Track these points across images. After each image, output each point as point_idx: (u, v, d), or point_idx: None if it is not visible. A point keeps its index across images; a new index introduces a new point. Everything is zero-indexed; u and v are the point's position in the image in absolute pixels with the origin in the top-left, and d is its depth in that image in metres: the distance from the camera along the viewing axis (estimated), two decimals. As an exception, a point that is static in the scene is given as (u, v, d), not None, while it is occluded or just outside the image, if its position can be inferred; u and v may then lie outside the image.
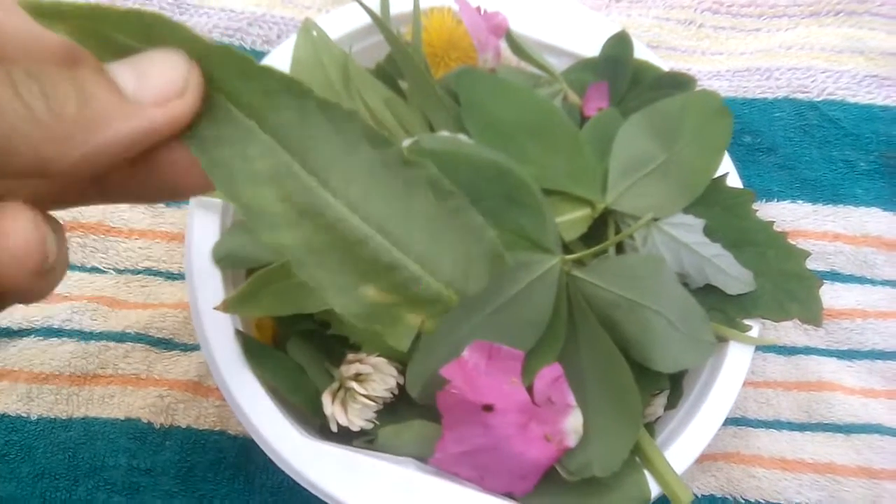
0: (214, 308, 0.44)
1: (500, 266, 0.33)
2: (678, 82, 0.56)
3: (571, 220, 0.50)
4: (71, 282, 0.62)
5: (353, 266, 0.30)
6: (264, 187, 0.28)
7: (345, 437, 0.47)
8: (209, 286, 0.47)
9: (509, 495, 0.45)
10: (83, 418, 0.57)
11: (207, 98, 0.27)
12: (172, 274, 0.63)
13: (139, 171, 0.28)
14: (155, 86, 0.26)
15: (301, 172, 0.28)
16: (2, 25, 0.28)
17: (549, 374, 0.44)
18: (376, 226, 0.30)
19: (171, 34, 0.26)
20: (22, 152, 0.24)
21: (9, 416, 0.57)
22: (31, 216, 0.25)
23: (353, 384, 0.46)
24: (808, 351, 0.65)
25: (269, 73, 0.27)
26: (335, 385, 0.47)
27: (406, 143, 0.47)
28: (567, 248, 0.49)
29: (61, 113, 0.24)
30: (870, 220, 0.69)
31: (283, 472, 0.45)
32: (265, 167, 0.28)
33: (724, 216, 0.52)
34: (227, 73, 0.27)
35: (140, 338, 0.60)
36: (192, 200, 0.49)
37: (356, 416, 0.46)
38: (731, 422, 0.61)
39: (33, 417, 0.57)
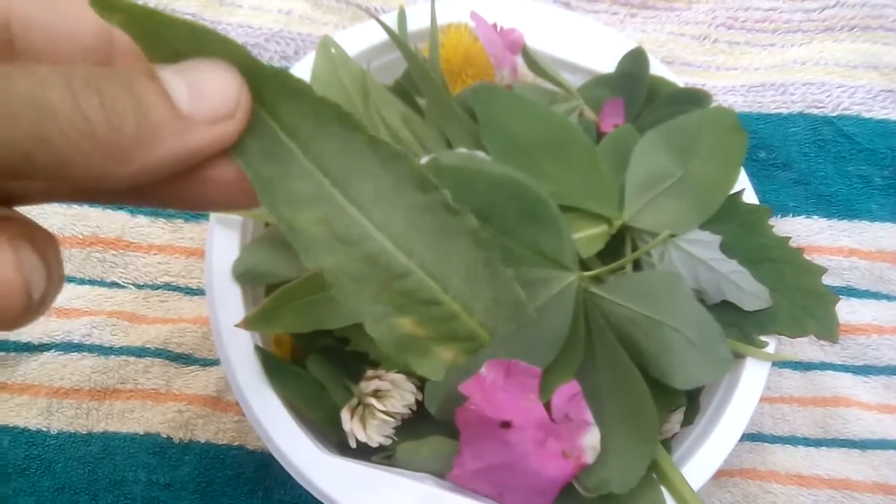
0: (235, 325, 0.44)
1: (524, 315, 0.33)
2: (694, 98, 0.56)
3: (589, 236, 0.50)
4: (91, 297, 0.62)
5: (390, 297, 0.30)
6: (304, 209, 0.28)
7: (363, 453, 0.47)
8: (229, 302, 0.47)
9: None
10: (103, 433, 0.58)
11: (253, 115, 0.27)
12: (191, 289, 0.63)
13: (179, 182, 0.27)
14: (209, 103, 0.25)
15: (342, 201, 0.28)
16: (31, 19, 0.28)
17: (567, 391, 0.44)
18: (418, 262, 0.30)
19: (223, 48, 0.26)
20: (75, 164, 0.23)
21: (29, 430, 0.58)
22: (12, 259, 0.24)
23: (372, 400, 0.46)
24: (823, 366, 0.65)
25: (324, 101, 0.27)
26: (354, 401, 0.47)
27: (424, 159, 0.47)
28: (584, 265, 0.49)
29: (119, 128, 0.24)
30: (885, 235, 0.69)
31: (301, 487, 0.46)
32: (306, 190, 0.28)
33: (741, 232, 0.52)
34: (278, 94, 0.27)
35: (159, 353, 0.60)
36: (212, 216, 0.49)
37: (375, 433, 0.46)
38: (747, 437, 0.61)
39: (53, 432, 0.58)
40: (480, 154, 0.49)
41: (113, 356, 0.60)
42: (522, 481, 0.45)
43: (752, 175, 0.56)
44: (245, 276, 0.48)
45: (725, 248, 0.52)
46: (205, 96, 0.25)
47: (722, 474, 0.60)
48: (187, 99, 0.25)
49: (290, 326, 0.44)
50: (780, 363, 0.64)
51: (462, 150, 0.49)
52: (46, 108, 0.23)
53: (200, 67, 0.26)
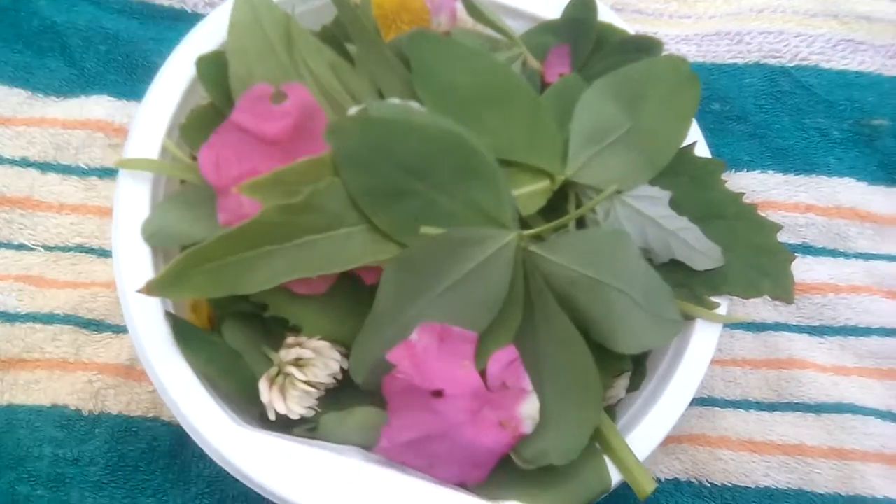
0: (137, 291, 0.40)
1: None
2: (644, 46, 0.53)
3: (530, 192, 0.47)
4: (-4, 260, 0.59)
5: None
6: None
7: (284, 425, 0.44)
8: (137, 265, 0.44)
9: (461, 485, 0.43)
10: (6, 406, 0.55)
11: None
12: (105, 251, 0.60)
13: None
14: None
15: None
16: None
17: (504, 356, 0.42)
18: None
19: None
20: None
21: (-74, 403, 0.55)
22: None
23: (293, 369, 0.43)
24: (777, 327, 0.63)
25: None
26: (273, 371, 0.44)
27: (352, 110, 0.44)
28: (525, 224, 0.47)
29: None
30: (843, 190, 0.67)
31: (220, 461, 0.43)
32: None
33: (692, 188, 0.50)
34: None
35: (69, 319, 0.57)
36: (121, 171, 0.46)
37: (296, 404, 0.43)
38: (696, 402, 0.60)
39: (-47, 405, 0.55)
40: (414, 105, 0.46)
41: (18, 323, 0.57)
42: (456, 453, 0.42)
43: (705, 128, 0.53)
44: (155, 237, 0.44)
45: (675, 205, 0.50)
46: None
47: (670, 441, 0.58)
48: None
49: (200, 291, 0.41)
50: (733, 324, 0.62)
51: (395, 100, 0.46)
52: None
53: None
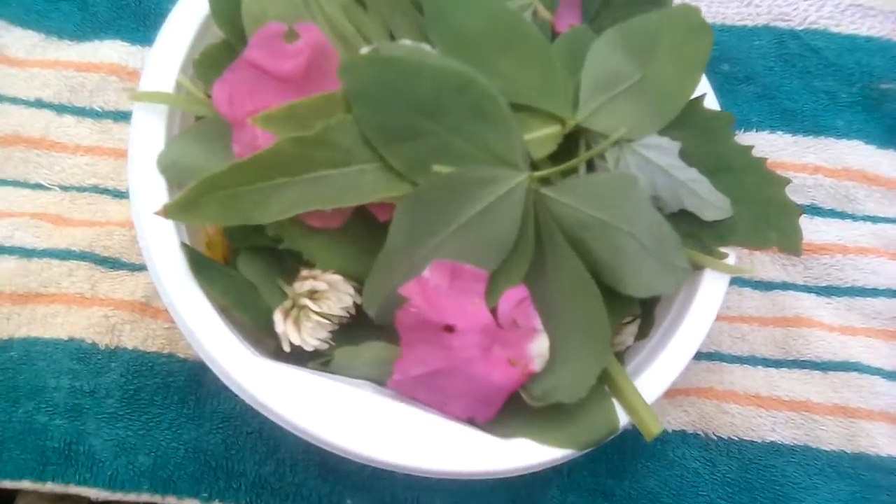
0: (154, 213, 0.41)
1: None
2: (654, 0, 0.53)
3: (541, 137, 0.47)
4: (12, 198, 0.59)
5: None
6: None
7: (299, 358, 0.45)
8: (152, 197, 0.44)
9: (471, 422, 0.44)
10: (24, 338, 0.55)
11: None
12: (120, 192, 0.61)
13: None
14: None
15: None
16: None
17: (514, 295, 0.42)
18: None
19: None
20: None
21: (-54, 335, 0.55)
22: None
23: (307, 301, 0.43)
24: (785, 286, 0.63)
25: None
26: (288, 303, 0.44)
27: (364, 50, 0.45)
28: (535, 167, 0.47)
29: None
30: (851, 152, 0.67)
31: (236, 398, 0.43)
32: None
33: (701, 139, 0.50)
34: None
35: (85, 256, 0.57)
36: (137, 105, 0.46)
37: (309, 335, 0.44)
38: (704, 356, 0.60)
39: (-28, 338, 0.55)
40: (426, 48, 0.46)
41: (35, 258, 0.57)
42: (466, 389, 0.43)
43: (714, 89, 0.53)
44: (171, 169, 0.45)
45: (685, 156, 0.50)
46: None
47: (678, 393, 0.58)
48: None
49: (215, 218, 0.41)
50: (741, 282, 0.62)
51: (406, 42, 0.47)
52: None
53: None
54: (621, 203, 0.45)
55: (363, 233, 0.44)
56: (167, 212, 0.40)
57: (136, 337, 0.56)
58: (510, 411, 0.45)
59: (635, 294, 0.45)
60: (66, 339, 0.55)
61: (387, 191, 0.42)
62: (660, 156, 0.49)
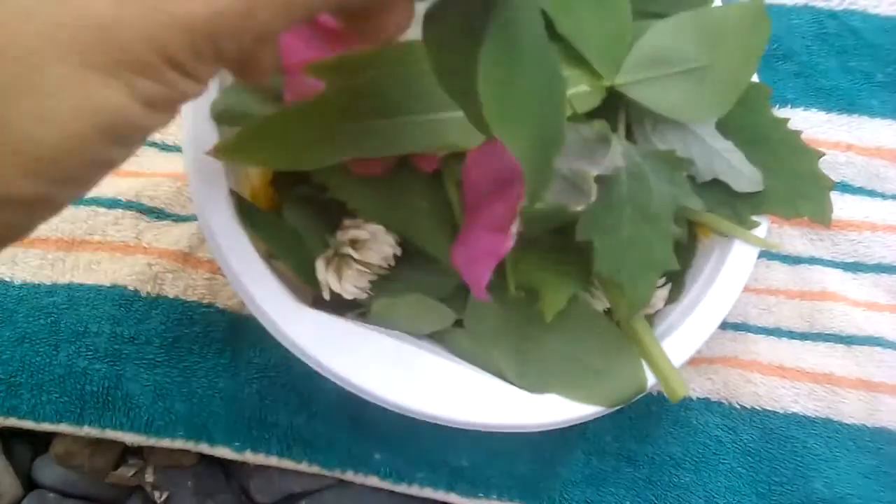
0: (206, 153, 0.42)
1: None
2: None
3: (584, 92, 0.48)
4: (61, 146, 0.60)
5: None
6: None
7: (337, 308, 0.46)
8: (205, 143, 0.45)
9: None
10: (68, 284, 0.56)
11: None
12: (167, 145, 0.62)
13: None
14: None
15: None
16: None
17: None
18: None
19: None
20: None
21: (-9, 279, 0.56)
22: None
23: (349, 250, 0.44)
24: (812, 261, 0.63)
25: None
26: (330, 252, 0.45)
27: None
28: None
29: None
30: (884, 132, 0.67)
31: (272, 349, 0.45)
32: None
33: (739, 109, 0.51)
34: None
35: (131, 205, 0.58)
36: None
37: (349, 283, 0.45)
38: (730, 326, 0.60)
39: (17, 282, 0.56)
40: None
41: (82, 206, 0.58)
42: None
43: (753, 64, 0.54)
44: (223, 115, 0.46)
45: (721, 126, 0.51)
46: None
47: (703, 361, 0.59)
48: None
49: (264, 160, 0.43)
50: (769, 255, 0.63)
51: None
52: None
53: None
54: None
55: (406, 185, 0.45)
56: (218, 152, 0.41)
57: (177, 286, 0.56)
58: (541, 367, 0.46)
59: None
60: (109, 285, 0.56)
61: (431, 142, 0.43)
62: (696, 124, 0.50)
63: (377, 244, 0.45)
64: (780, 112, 0.67)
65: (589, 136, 0.45)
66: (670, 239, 0.46)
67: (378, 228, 0.45)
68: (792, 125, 0.52)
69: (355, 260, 0.44)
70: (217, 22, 0.25)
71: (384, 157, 0.43)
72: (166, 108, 0.26)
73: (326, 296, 0.45)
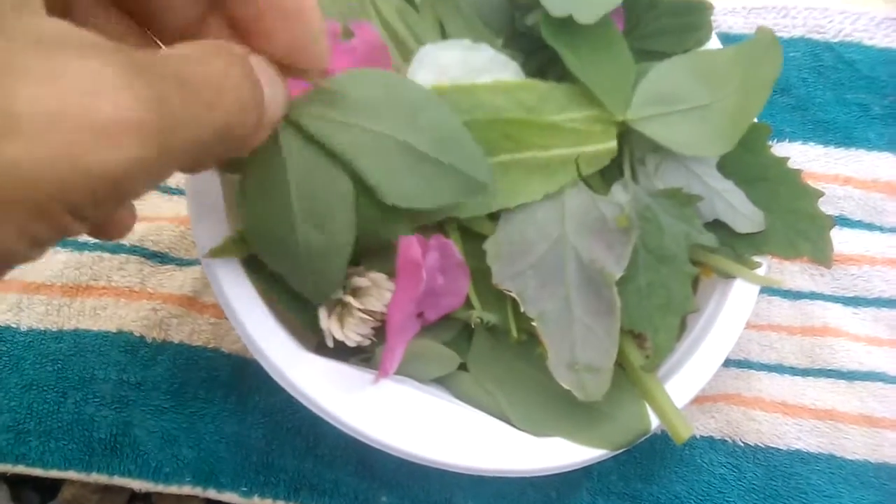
0: (204, 257, 0.43)
1: None
2: (694, 7, 0.54)
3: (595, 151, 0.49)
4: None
5: None
6: None
7: (341, 354, 0.46)
8: (208, 187, 0.46)
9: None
10: (74, 330, 0.57)
11: None
12: (171, 189, 0.62)
13: None
14: (274, 112, 0.34)
15: None
16: None
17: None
18: None
19: None
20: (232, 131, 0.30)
21: (-3, 325, 0.57)
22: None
23: (350, 298, 0.44)
24: (813, 296, 0.64)
25: None
26: (332, 300, 0.45)
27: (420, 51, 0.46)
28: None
29: (261, 102, 0.31)
30: (882, 164, 0.67)
31: (278, 392, 0.45)
32: None
33: (738, 150, 0.51)
34: None
35: (135, 250, 0.59)
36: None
37: (352, 331, 0.45)
38: (733, 364, 0.60)
39: (23, 328, 0.57)
40: (482, 46, 0.47)
41: (87, 252, 0.58)
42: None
43: (750, 99, 0.54)
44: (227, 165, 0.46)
45: (721, 166, 0.51)
46: (275, 103, 0.34)
47: (706, 399, 0.59)
48: (269, 103, 0.33)
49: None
50: (770, 291, 0.63)
51: (465, 41, 0.48)
52: (242, 91, 0.30)
53: (273, 75, 0.34)
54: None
55: (404, 234, 0.45)
56: (215, 254, 0.44)
57: (182, 331, 0.57)
58: (545, 411, 0.46)
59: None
60: (114, 331, 0.56)
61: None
62: (698, 164, 0.51)
63: (378, 291, 0.45)
64: (777, 146, 0.68)
65: (610, 217, 0.46)
66: (689, 279, 0.47)
67: (379, 276, 0.45)
68: (790, 161, 0.53)
69: (357, 308, 0.45)
70: (126, 172, 0.24)
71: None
72: (49, 245, 0.25)
73: (330, 343, 0.45)
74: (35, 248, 0.25)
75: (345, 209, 0.41)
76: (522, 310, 0.45)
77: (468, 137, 0.42)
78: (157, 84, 0.25)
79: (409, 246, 0.42)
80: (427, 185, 0.41)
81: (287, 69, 0.35)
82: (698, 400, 0.55)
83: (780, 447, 0.58)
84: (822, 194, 0.52)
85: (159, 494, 0.55)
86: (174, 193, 0.62)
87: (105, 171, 0.23)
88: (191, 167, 0.32)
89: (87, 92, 0.23)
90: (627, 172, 0.49)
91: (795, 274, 0.64)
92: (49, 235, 0.24)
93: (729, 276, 0.51)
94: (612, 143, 0.48)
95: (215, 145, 0.29)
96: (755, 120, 0.53)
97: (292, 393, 0.44)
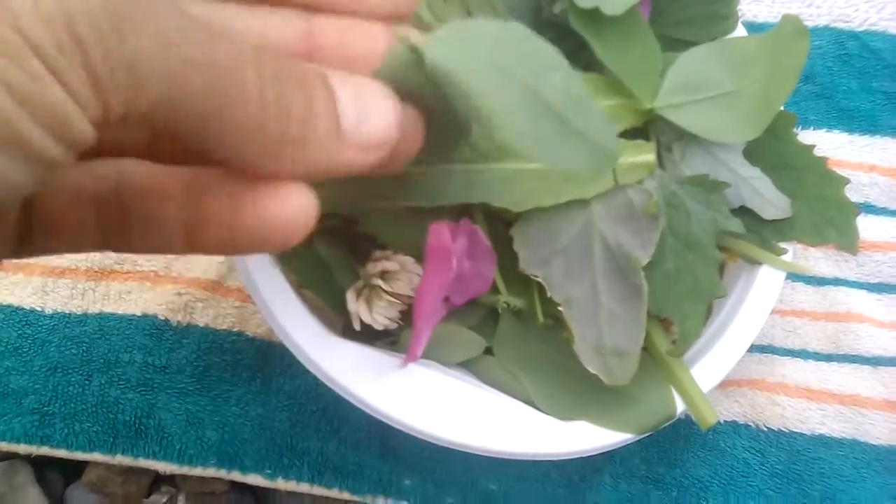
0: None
1: None
2: (722, -2, 0.54)
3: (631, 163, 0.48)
4: (90, 175, 0.61)
5: None
6: None
7: (367, 337, 0.46)
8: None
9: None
10: (98, 314, 0.57)
11: None
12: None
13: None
14: (369, 131, 0.25)
15: None
16: None
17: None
18: None
19: None
20: (232, 145, 0.23)
21: (23, 309, 0.57)
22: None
23: (379, 281, 0.44)
24: (837, 282, 0.63)
25: None
26: (360, 283, 0.46)
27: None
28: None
29: (285, 129, 0.23)
30: (907, 152, 0.67)
31: (301, 376, 0.45)
32: None
33: (765, 138, 0.50)
34: None
35: (161, 233, 0.59)
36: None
37: (380, 314, 0.45)
38: (756, 349, 0.60)
39: (48, 311, 0.57)
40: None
41: (112, 236, 0.58)
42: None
43: (775, 86, 0.54)
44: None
45: (748, 153, 0.51)
46: (367, 122, 0.25)
47: (730, 384, 0.59)
48: (352, 121, 0.25)
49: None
50: (794, 277, 0.63)
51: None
52: (241, 88, 0.22)
53: (369, 88, 0.26)
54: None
55: (434, 218, 0.45)
56: None
57: (207, 315, 0.57)
58: (570, 395, 0.46)
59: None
60: (139, 314, 0.57)
61: (467, 196, 0.43)
62: (724, 152, 0.50)
63: (406, 275, 0.45)
64: (802, 134, 0.67)
65: (637, 204, 0.45)
66: (716, 265, 0.47)
67: (407, 259, 0.45)
68: (816, 149, 0.53)
69: (385, 291, 0.45)
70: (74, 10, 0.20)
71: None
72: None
73: (357, 326, 0.45)
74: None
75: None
76: (549, 295, 0.44)
77: (597, 106, 0.38)
78: None
79: (440, 232, 0.41)
80: (549, 143, 0.36)
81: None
82: (722, 384, 0.55)
83: (804, 432, 0.58)
84: (847, 181, 0.52)
85: (183, 476, 0.55)
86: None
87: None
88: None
89: None
90: (654, 160, 0.49)
91: (819, 260, 0.64)
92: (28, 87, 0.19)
93: (755, 263, 0.51)
94: (650, 157, 0.47)
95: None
96: (781, 108, 0.53)
97: (319, 376, 0.44)
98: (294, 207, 0.25)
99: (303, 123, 0.24)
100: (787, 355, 0.61)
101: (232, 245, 0.26)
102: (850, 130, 0.68)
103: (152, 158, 0.28)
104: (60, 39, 0.19)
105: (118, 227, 0.27)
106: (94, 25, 0.20)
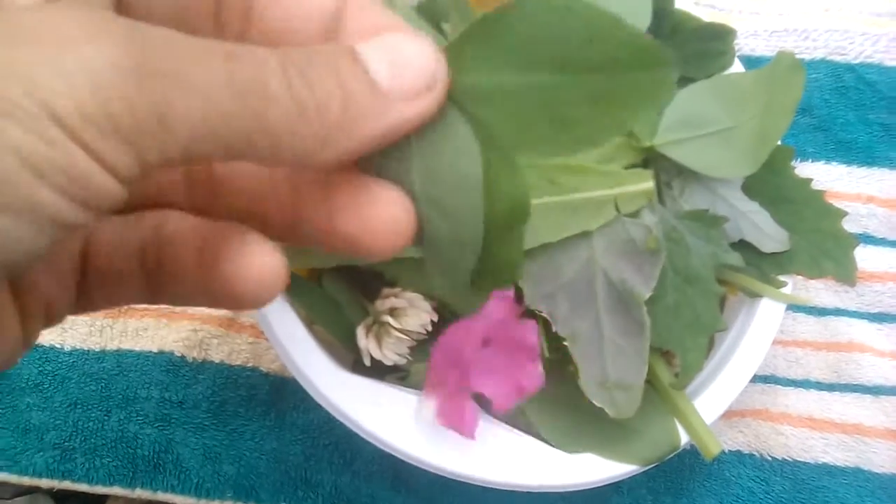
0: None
1: None
2: (719, 33, 0.55)
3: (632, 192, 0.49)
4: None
5: None
6: None
7: (377, 372, 0.47)
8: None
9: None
10: (116, 350, 0.58)
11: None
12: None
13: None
14: (407, 79, 0.25)
15: None
16: None
17: None
18: None
19: None
20: (285, 148, 0.23)
21: (42, 346, 0.58)
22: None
23: (388, 318, 0.46)
24: (838, 312, 0.64)
25: None
26: (370, 319, 0.47)
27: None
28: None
29: (326, 114, 0.24)
30: (904, 183, 0.68)
31: (314, 410, 0.46)
32: None
33: (762, 172, 0.52)
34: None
35: (175, 272, 0.60)
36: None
37: (389, 350, 0.46)
38: (759, 379, 0.61)
39: (67, 349, 0.58)
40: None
41: (129, 275, 0.59)
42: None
43: (773, 120, 0.55)
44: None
45: (746, 188, 0.52)
46: (403, 72, 0.25)
47: (734, 415, 0.60)
48: (387, 76, 0.25)
49: (304, 263, 0.45)
50: (795, 308, 0.63)
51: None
52: (268, 94, 0.23)
53: (398, 41, 0.26)
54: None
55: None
56: None
57: (222, 351, 0.58)
58: (576, 427, 0.47)
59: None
60: (156, 351, 0.58)
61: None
62: (723, 187, 0.51)
63: (415, 311, 0.46)
64: (801, 166, 0.69)
65: (638, 239, 0.47)
66: (716, 299, 0.48)
67: (415, 296, 0.46)
68: (814, 181, 0.54)
69: (394, 328, 0.46)
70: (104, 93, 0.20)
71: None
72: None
73: (367, 362, 0.46)
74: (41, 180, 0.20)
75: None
76: (554, 329, 0.46)
77: None
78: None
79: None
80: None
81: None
82: (726, 415, 0.56)
83: (808, 461, 0.59)
84: (845, 214, 0.53)
85: (201, 510, 0.56)
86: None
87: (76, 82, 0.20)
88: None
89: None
90: (654, 195, 0.50)
91: (820, 290, 0.65)
92: (49, 159, 0.20)
93: (755, 296, 0.52)
94: (649, 184, 0.49)
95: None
96: (779, 142, 0.54)
97: (330, 411, 0.45)
98: (259, 268, 0.26)
99: (341, 103, 0.24)
100: (790, 385, 0.62)
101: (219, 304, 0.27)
102: (848, 162, 0.69)
103: (191, 205, 0.29)
104: (85, 107, 0.20)
105: (157, 279, 0.28)
106: (123, 89, 0.20)
